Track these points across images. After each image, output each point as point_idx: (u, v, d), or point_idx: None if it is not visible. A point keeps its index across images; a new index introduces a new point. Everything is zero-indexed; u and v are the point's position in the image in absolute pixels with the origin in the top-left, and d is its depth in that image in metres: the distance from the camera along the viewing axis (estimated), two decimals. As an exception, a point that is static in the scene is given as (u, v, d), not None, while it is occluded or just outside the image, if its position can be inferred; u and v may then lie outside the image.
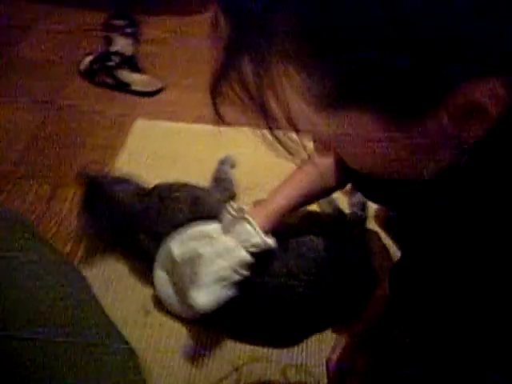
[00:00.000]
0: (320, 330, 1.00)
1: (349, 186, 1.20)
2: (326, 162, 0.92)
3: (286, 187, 0.95)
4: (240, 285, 0.87)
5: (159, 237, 0.96)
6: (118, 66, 1.57)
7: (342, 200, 1.19)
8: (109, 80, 1.54)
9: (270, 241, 0.89)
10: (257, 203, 0.98)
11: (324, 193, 0.99)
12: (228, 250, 0.85)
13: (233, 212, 0.90)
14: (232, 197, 1.17)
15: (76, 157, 1.34)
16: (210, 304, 0.83)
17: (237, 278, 0.86)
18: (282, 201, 0.92)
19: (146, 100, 1.53)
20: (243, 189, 1.23)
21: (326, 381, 0.93)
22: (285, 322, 0.95)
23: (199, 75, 1.66)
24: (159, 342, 0.97)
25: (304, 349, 0.97)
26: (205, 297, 0.83)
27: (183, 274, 0.88)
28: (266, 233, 0.89)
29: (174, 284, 0.94)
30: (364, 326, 0.94)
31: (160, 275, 0.95)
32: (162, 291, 0.97)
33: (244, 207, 0.92)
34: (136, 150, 1.35)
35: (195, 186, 1.09)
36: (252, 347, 0.96)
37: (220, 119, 0.50)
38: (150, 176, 1.26)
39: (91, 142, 1.39)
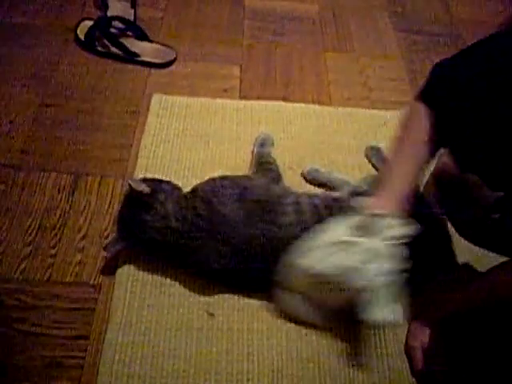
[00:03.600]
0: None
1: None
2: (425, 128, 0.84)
3: (401, 165, 0.86)
4: None
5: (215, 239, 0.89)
6: (122, 34, 1.39)
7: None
8: (114, 50, 1.36)
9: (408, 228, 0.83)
10: (376, 192, 0.88)
11: (428, 161, 0.90)
12: (378, 252, 0.80)
13: (367, 210, 0.82)
14: (278, 179, 1.07)
15: (93, 140, 1.18)
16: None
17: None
18: (402, 184, 0.84)
19: (157, 72, 1.37)
20: (285, 168, 1.13)
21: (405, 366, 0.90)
22: None
23: (212, 42, 1.57)
24: (230, 345, 0.89)
25: (382, 337, 0.93)
26: (382, 312, 0.81)
27: (336, 287, 0.83)
28: None
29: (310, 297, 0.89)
30: (444, 315, 0.91)
31: (288, 295, 0.91)
32: (300, 309, 0.91)
33: (367, 200, 0.85)
34: (160, 130, 1.20)
35: (237, 177, 0.99)
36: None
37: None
38: (184, 159, 1.15)
39: (105, 122, 1.22)
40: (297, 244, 0.87)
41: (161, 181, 0.97)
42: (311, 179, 1.14)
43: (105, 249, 0.94)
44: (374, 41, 1.57)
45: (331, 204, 0.94)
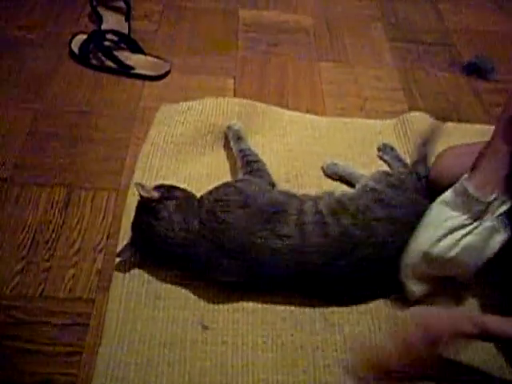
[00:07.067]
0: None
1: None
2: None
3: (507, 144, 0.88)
4: None
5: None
6: (116, 47, 1.40)
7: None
8: (108, 63, 1.36)
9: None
10: (479, 170, 0.90)
11: None
12: (493, 230, 0.88)
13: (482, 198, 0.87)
14: (273, 184, 1.06)
15: (87, 153, 1.17)
16: None
17: None
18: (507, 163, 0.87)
19: (151, 85, 1.37)
20: (281, 181, 1.12)
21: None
22: None
23: (206, 54, 1.57)
24: (225, 359, 0.87)
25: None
26: None
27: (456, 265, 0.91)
28: None
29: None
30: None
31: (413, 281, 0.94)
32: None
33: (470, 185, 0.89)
34: (158, 140, 1.19)
35: (240, 182, 1.01)
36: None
37: None
38: (181, 171, 1.15)
39: (99, 134, 1.22)
40: (415, 234, 0.92)
41: (175, 188, 0.97)
42: (330, 174, 1.17)
43: (118, 255, 0.96)
44: (368, 51, 1.57)
45: (335, 207, 0.94)
